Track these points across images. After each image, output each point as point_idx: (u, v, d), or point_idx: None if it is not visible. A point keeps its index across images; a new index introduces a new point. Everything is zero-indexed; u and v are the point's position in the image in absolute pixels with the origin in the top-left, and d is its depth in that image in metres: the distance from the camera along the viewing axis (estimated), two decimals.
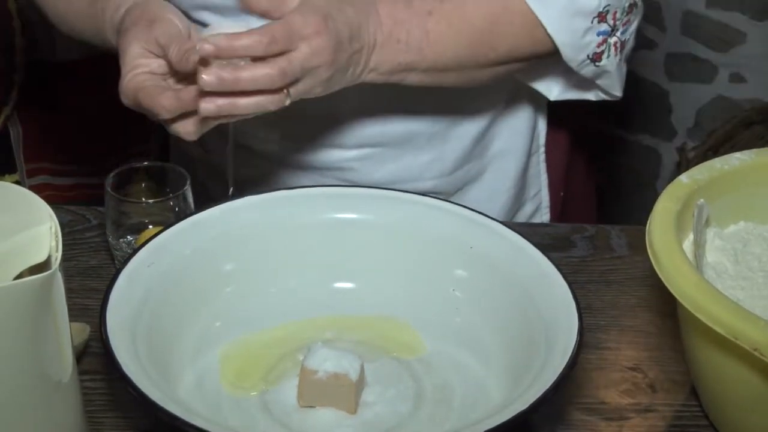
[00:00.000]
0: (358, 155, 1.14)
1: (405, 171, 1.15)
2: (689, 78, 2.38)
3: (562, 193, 1.28)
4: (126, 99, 0.93)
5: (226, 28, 0.89)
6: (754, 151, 0.92)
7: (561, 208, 1.29)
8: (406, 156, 1.14)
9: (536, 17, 1.01)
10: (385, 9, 0.97)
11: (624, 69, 1.10)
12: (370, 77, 0.98)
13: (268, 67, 0.87)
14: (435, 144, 1.15)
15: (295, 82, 0.89)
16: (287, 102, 0.90)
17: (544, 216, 1.28)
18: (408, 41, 0.98)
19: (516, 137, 1.20)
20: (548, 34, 1.02)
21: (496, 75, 1.06)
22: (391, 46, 0.97)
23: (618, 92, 1.12)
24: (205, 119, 0.90)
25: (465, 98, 1.13)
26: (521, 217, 1.26)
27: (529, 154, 1.23)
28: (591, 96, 1.13)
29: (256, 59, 0.88)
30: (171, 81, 0.93)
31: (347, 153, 1.14)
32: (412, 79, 1.01)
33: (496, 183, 1.21)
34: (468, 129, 1.16)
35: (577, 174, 1.32)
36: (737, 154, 0.92)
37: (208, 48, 0.86)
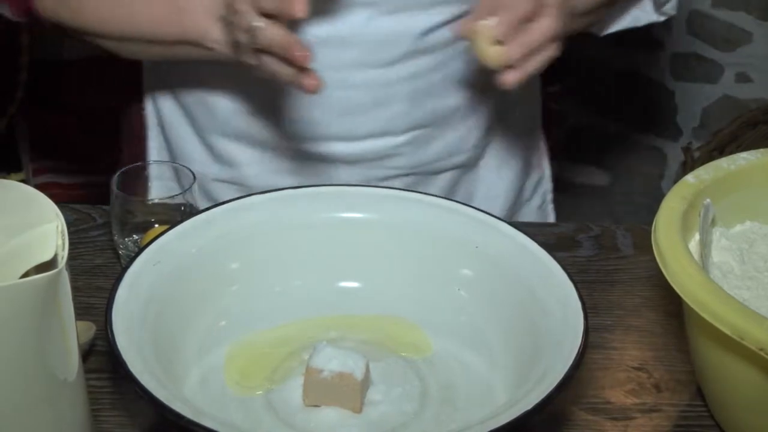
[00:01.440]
0: (408, 139, 1.14)
1: (446, 148, 1.16)
2: (695, 78, 2.38)
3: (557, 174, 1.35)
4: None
5: None
6: (760, 150, 0.92)
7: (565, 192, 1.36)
8: (447, 132, 1.15)
9: None
10: None
11: None
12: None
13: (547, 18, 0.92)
14: (469, 116, 1.16)
15: None
16: None
17: (547, 184, 1.32)
18: None
19: (526, 107, 1.24)
20: None
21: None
22: None
23: (674, 10, 1.18)
24: None
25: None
26: (529, 186, 1.29)
27: (533, 125, 1.27)
28: (642, 19, 1.18)
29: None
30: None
31: (397, 139, 1.13)
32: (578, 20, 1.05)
33: (508, 150, 1.23)
34: (492, 99, 1.18)
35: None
36: (743, 154, 0.92)
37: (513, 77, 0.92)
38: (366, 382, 0.84)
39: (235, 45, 0.96)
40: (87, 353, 0.90)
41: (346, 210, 0.95)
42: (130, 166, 1.06)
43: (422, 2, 1.05)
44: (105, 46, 1.09)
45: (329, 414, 0.83)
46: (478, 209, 0.95)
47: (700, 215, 0.85)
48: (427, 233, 0.94)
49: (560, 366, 0.77)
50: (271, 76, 0.94)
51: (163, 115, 1.20)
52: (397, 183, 1.15)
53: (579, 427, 0.86)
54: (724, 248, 0.88)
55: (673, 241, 0.80)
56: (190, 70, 1.13)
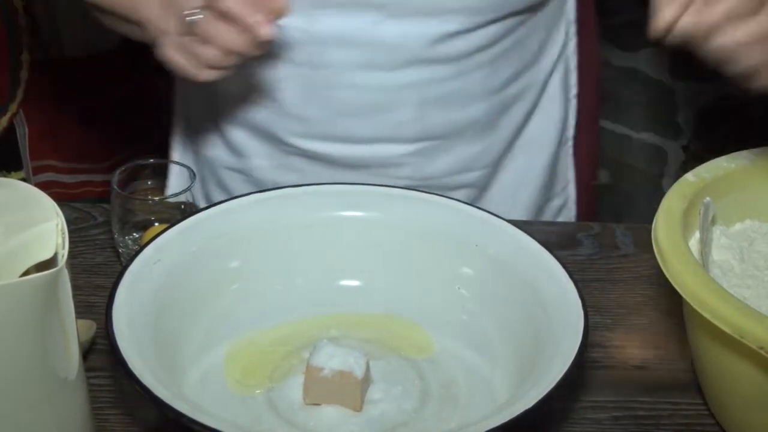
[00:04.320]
0: (416, 150, 1.11)
1: (456, 163, 1.14)
2: (695, 76, 2.38)
3: (593, 182, 1.28)
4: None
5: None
6: (761, 149, 0.92)
7: (586, 206, 1.29)
8: (458, 147, 1.13)
9: None
10: None
11: None
12: None
13: None
14: (486, 133, 1.14)
15: None
16: None
17: (570, 212, 1.27)
18: None
19: (549, 125, 1.20)
20: None
21: None
22: None
23: None
24: None
25: (517, 80, 1.13)
26: (548, 211, 1.25)
27: (558, 144, 1.23)
28: None
29: None
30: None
31: (404, 148, 1.11)
32: None
33: (526, 172, 1.20)
34: (514, 115, 1.15)
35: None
36: (743, 153, 0.92)
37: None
38: (366, 381, 0.84)
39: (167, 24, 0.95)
40: (87, 352, 0.90)
41: (346, 208, 0.95)
42: (130, 164, 1.06)
43: (431, 9, 1.02)
44: (101, 21, 1.06)
45: (330, 412, 0.83)
46: (479, 207, 0.96)
47: (700, 214, 0.85)
48: (428, 232, 0.94)
49: (561, 364, 0.77)
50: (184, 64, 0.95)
51: (189, 98, 1.21)
52: None
53: (579, 425, 0.86)
54: (724, 247, 0.88)
55: (674, 240, 0.80)
56: None
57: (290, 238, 0.94)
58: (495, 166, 1.18)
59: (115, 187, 0.99)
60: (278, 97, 1.10)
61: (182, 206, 0.99)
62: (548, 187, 1.23)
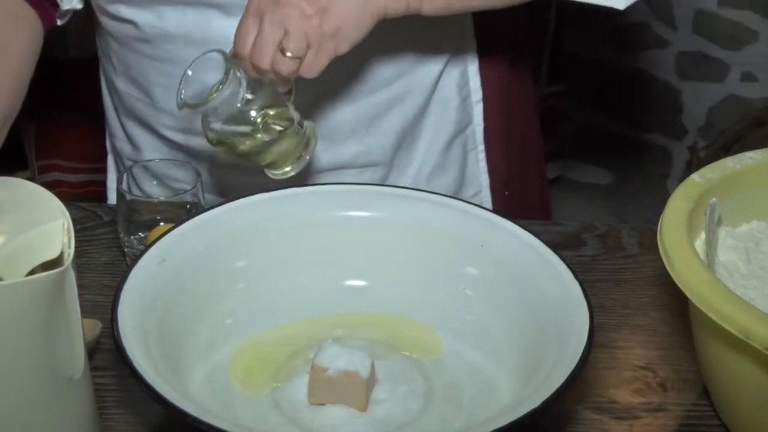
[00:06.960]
0: None
1: (332, 165, 1.13)
2: (701, 77, 2.38)
3: (506, 192, 1.23)
4: None
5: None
6: (766, 150, 0.92)
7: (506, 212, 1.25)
8: (330, 151, 1.12)
9: None
10: None
11: None
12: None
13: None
14: (358, 138, 1.12)
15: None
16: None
17: None
18: None
19: (443, 133, 1.17)
20: None
21: None
22: None
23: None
24: None
25: (385, 92, 1.11)
26: None
27: (464, 152, 1.20)
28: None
29: None
30: None
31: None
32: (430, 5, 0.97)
33: (425, 178, 1.17)
34: (391, 123, 1.13)
35: (528, 175, 1.28)
36: (749, 153, 0.92)
37: None
38: (371, 381, 0.84)
39: None
40: (93, 351, 0.90)
41: (352, 208, 0.95)
42: (136, 163, 1.06)
43: None
44: None
45: (334, 412, 0.83)
46: (484, 208, 0.96)
47: (706, 214, 0.85)
48: (433, 232, 0.94)
49: (566, 365, 0.77)
50: None
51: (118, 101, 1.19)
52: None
53: (584, 426, 0.86)
54: (730, 247, 0.88)
55: (679, 241, 0.80)
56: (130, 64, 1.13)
57: (296, 238, 0.94)
58: (387, 165, 1.15)
59: (121, 186, 0.99)
60: (151, 91, 1.11)
61: (188, 206, 0.99)
62: (456, 194, 1.18)
